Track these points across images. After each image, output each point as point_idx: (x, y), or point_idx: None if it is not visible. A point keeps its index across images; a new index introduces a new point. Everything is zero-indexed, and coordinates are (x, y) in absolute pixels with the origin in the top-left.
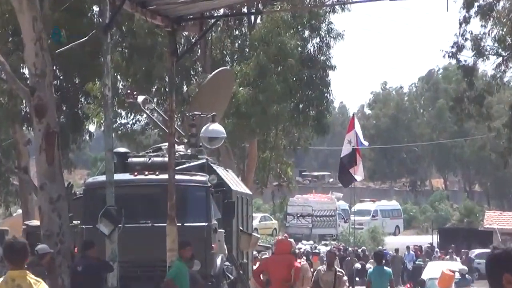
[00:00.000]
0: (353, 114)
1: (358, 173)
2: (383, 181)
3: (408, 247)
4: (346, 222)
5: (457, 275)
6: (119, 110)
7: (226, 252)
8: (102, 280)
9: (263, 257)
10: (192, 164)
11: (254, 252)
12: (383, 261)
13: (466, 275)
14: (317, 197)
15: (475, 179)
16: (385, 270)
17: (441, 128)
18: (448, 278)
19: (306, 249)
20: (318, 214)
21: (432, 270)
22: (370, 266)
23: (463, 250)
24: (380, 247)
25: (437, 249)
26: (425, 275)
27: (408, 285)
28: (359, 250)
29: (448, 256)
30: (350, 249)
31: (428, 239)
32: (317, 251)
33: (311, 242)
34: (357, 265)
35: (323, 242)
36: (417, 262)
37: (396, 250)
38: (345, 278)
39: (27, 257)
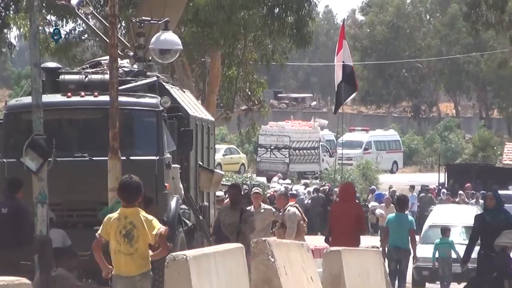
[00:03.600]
0: (343, 21)
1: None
2: (378, 106)
3: (412, 187)
4: (331, 156)
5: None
6: (48, 17)
7: (182, 192)
8: (34, 226)
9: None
10: (139, 83)
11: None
12: (406, 208)
13: None
14: (295, 125)
15: (493, 103)
16: (407, 218)
17: (452, 40)
18: None
19: (282, 189)
20: (297, 146)
21: (438, 215)
22: (382, 212)
23: (482, 191)
24: (373, 187)
25: (443, 190)
26: (427, 222)
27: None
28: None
29: (466, 198)
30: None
31: (434, 178)
32: (294, 192)
33: (288, 181)
34: None
35: (303, 181)
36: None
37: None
38: (253, 218)
39: (141, 196)
